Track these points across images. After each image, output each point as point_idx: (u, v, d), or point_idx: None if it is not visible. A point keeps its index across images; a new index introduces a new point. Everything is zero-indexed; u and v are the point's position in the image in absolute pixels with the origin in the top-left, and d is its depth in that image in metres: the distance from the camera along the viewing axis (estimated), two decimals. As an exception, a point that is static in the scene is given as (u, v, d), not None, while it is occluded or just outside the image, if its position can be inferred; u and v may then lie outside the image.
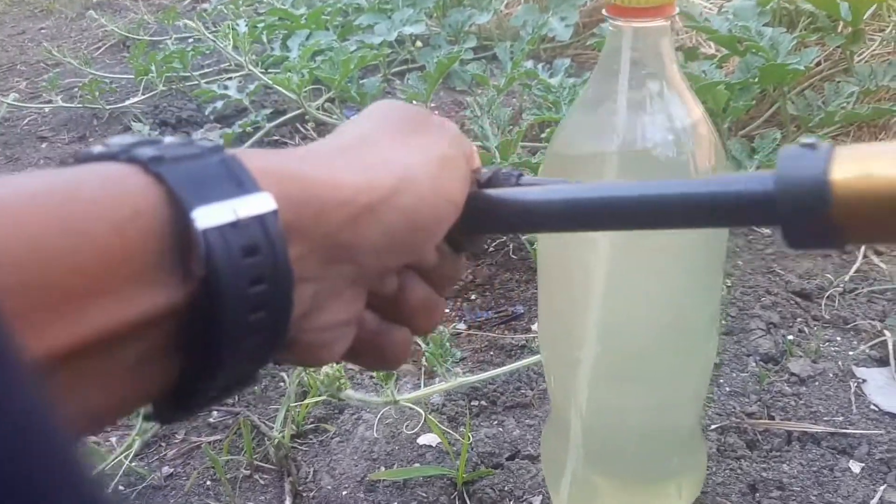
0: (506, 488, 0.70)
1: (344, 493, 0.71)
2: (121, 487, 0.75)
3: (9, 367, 0.16)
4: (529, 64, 1.42)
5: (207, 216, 0.22)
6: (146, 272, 0.21)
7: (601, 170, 0.50)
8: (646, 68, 0.48)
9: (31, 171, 0.24)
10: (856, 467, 0.68)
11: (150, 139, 0.24)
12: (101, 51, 2.09)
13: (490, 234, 0.34)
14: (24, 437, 0.16)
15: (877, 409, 0.74)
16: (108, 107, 1.61)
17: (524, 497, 0.69)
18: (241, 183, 0.23)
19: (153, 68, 1.62)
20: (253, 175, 0.24)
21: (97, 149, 0.24)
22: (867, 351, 0.81)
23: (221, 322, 0.23)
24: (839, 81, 1.21)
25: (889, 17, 1.37)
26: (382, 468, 0.73)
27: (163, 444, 0.80)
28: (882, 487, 0.66)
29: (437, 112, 1.48)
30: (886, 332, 0.82)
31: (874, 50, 1.35)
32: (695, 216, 0.29)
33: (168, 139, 0.25)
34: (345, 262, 0.27)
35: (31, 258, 0.19)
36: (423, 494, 0.70)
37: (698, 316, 0.54)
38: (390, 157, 0.29)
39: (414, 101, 1.41)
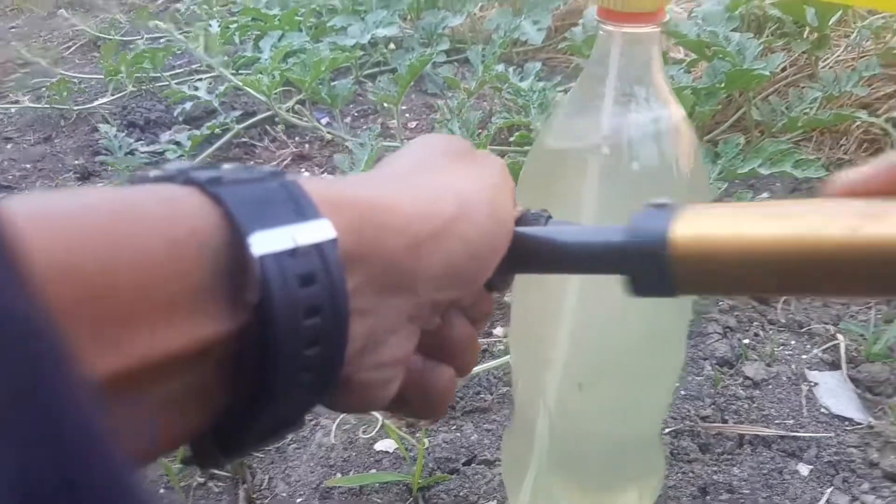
0: (461, 493, 0.70)
1: (299, 500, 0.71)
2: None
3: (69, 388, 0.15)
4: (501, 67, 1.42)
5: (265, 242, 0.21)
6: (198, 296, 0.20)
7: (584, 174, 0.50)
8: (634, 73, 0.48)
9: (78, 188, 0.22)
10: (804, 470, 0.69)
11: (208, 165, 0.23)
12: (71, 50, 2.07)
13: (521, 273, 0.34)
14: (83, 460, 0.15)
15: (827, 411, 0.75)
16: (75, 107, 1.60)
17: (479, 502, 0.69)
18: (300, 208, 0.22)
19: (123, 69, 1.61)
20: (313, 201, 0.23)
21: (153, 173, 0.23)
22: (820, 354, 0.82)
23: (276, 355, 0.22)
24: (804, 87, 1.23)
25: (854, 23, 1.39)
26: (339, 474, 0.73)
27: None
28: (829, 490, 0.67)
29: (407, 115, 1.49)
30: (839, 335, 0.84)
31: (839, 56, 1.36)
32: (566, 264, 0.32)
33: (226, 165, 0.24)
34: (402, 293, 0.26)
35: (84, 272, 0.18)
36: (379, 500, 0.70)
37: (671, 322, 0.55)
38: (446, 184, 0.29)
39: (385, 104, 1.41)
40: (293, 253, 0.22)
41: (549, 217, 0.33)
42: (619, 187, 0.50)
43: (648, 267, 0.28)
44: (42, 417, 0.14)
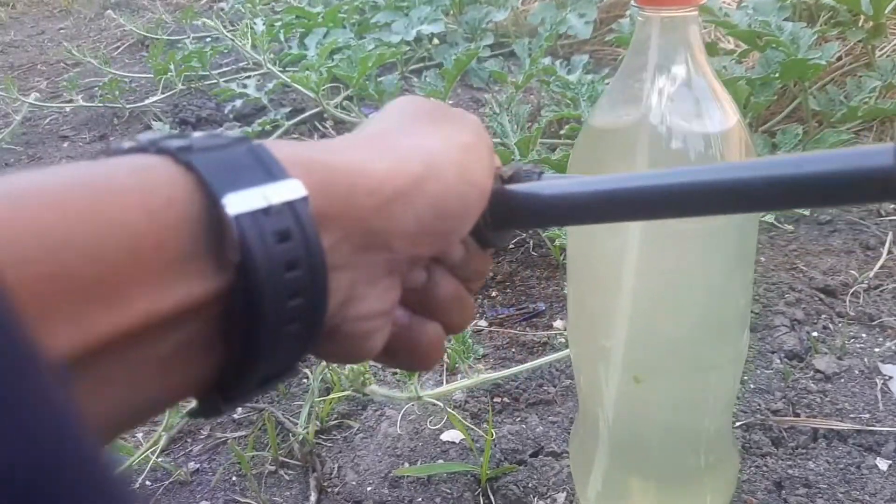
0: (530, 485, 0.70)
1: (368, 488, 0.71)
2: (147, 483, 0.76)
3: (27, 368, 0.16)
4: (547, 61, 1.42)
5: (239, 202, 0.22)
6: (180, 261, 0.21)
7: (630, 154, 0.50)
8: (675, 57, 0.48)
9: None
10: (883, 464, 0.68)
11: (177, 134, 0.24)
12: (119, 50, 2.10)
13: (515, 229, 0.34)
14: (45, 435, 0.15)
15: (903, 406, 0.73)
16: (128, 106, 1.62)
17: (548, 494, 0.69)
18: (269, 170, 0.24)
19: (172, 67, 1.63)
20: (281, 163, 0.24)
21: (126, 144, 0.24)
22: (893, 347, 0.81)
23: (260, 309, 0.23)
24: (861, 76, 1.20)
25: (912, 10, 1.36)
26: (406, 464, 0.73)
27: (189, 440, 0.80)
28: (910, 484, 0.66)
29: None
30: (912, 328, 0.82)
31: (896, 44, 1.33)
32: (797, 197, 0.28)
33: (195, 133, 0.25)
34: (378, 249, 0.27)
35: (62, 249, 0.19)
36: (447, 490, 0.70)
37: (730, 307, 0.54)
38: (415, 144, 0.30)
39: (432, 98, 1.41)
40: (267, 211, 0.23)
41: (542, 172, 0.34)
42: (666, 146, 0.49)
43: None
44: (9, 404, 0.15)
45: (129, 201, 0.21)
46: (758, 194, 0.28)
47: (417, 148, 0.29)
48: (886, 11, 1.28)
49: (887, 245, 0.96)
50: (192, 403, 0.26)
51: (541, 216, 0.35)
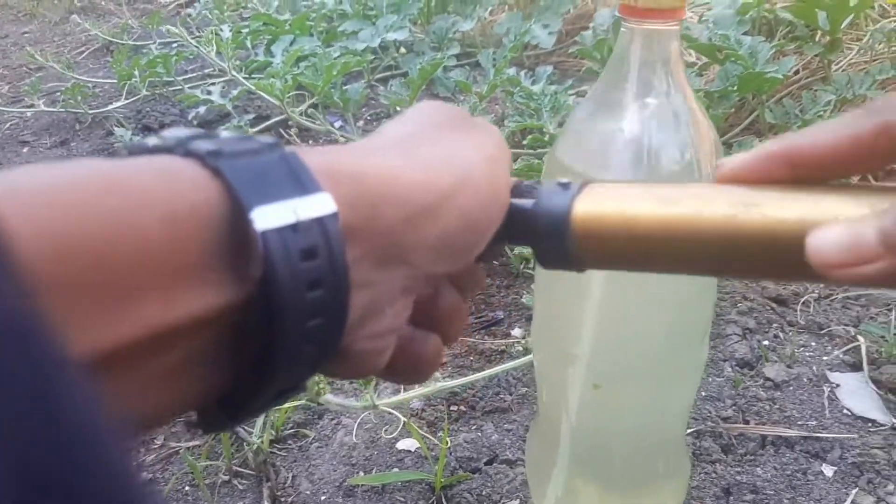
0: (483, 492, 0.70)
1: (323, 498, 0.71)
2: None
3: (55, 368, 0.15)
4: (512, 71, 1.43)
5: (267, 217, 0.21)
6: (198, 270, 0.20)
7: (609, 172, 0.50)
8: (655, 70, 0.48)
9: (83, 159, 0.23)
10: (829, 471, 0.69)
11: (206, 133, 0.23)
12: (84, 55, 2.08)
13: (509, 244, 0.34)
14: (72, 432, 0.15)
15: (849, 413, 0.75)
16: (90, 111, 1.61)
17: (501, 501, 0.69)
18: (301, 182, 0.22)
19: (136, 73, 1.62)
20: (313, 174, 0.23)
21: (152, 141, 0.23)
22: (841, 356, 0.82)
23: (279, 328, 0.22)
24: (817, 90, 1.23)
25: (866, 26, 1.39)
26: (361, 473, 0.73)
27: (142, 450, 0.80)
28: (854, 491, 0.67)
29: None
30: (860, 337, 0.84)
31: (851, 59, 1.37)
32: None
33: (225, 133, 0.24)
34: (399, 265, 0.26)
35: (76, 250, 0.18)
36: (402, 499, 0.70)
37: (696, 317, 0.55)
38: (445, 154, 0.28)
39: (398, 108, 1.41)
40: (295, 227, 0.22)
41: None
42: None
43: (552, 240, 0.30)
44: (35, 404, 0.15)
45: (151, 206, 0.20)
46: None
47: (446, 158, 0.28)
48: (842, 27, 1.31)
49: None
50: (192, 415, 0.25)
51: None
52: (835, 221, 0.24)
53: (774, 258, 0.26)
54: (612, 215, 0.29)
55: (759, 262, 0.27)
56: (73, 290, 0.18)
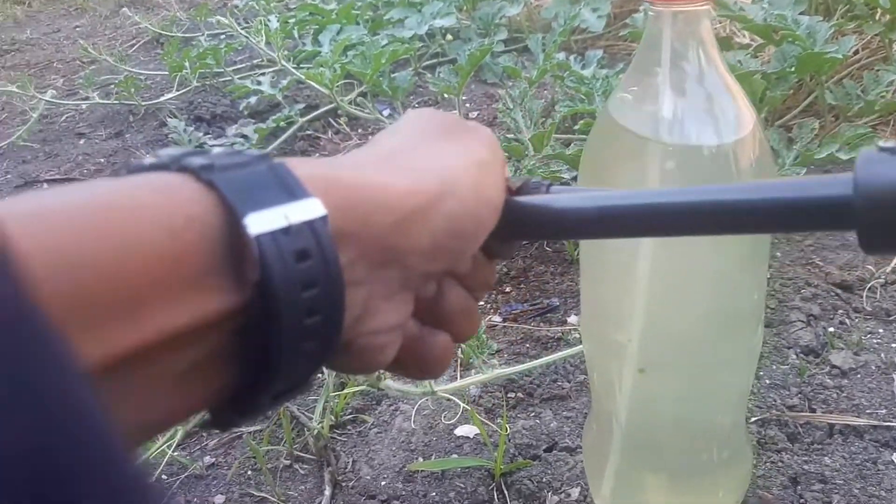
0: (544, 480, 0.70)
1: (383, 483, 0.72)
2: (163, 476, 0.76)
3: (64, 372, 0.16)
4: (561, 56, 1.41)
5: (260, 222, 0.23)
6: (200, 277, 0.22)
7: (643, 160, 0.50)
8: (687, 53, 0.47)
9: (76, 173, 0.24)
10: (900, 460, 0.67)
11: (198, 150, 0.25)
12: (135, 48, 2.11)
13: (522, 241, 0.35)
14: (76, 430, 0.16)
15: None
16: (143, 103, 1.63)
17: (562, 489, 0.69)
18: (290, 189, 0.24)
19: (187, 65, 1.64)
20: (301, 182, 0.24)
21: (148, 160, 0.25)
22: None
23: (278, 327, 0.23)
24: (878, 70, 1.19)
25: (929, 3, 1.35)
26: (420, 459, 0.74)
27: (204, 434, 0.81)
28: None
29: (468, 105, 1.48)
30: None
31: (914, 38, 1.32)
32: (764, 222, 0.30)
33: (216, 149, 0.25)
34: (393, 266, 0.28)
35: (84, 264, 0.19)
36: (461, 485, 0.70)
37: (743, 302, 0.54)
38: (432, 162, 0.30)
39: (446, 95, 1.41)
40: (287, 231, 0.23)
41: (550, 185, 0.34)
42: (675, 171, 0.49)
43: (886, 223, 0.25)
44: (38, 401, 0.15)
45: (150, 220, 0.21)
46: (723, 219, 0.30)
47: (434, 166, 0.30)
48: (904, 5, 1.26)
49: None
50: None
51: (548, 229, 0.36)
52: None
53: None
54: None
55: None
56: (84, 302, 0.19)
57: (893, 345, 0.80)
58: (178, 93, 1.66)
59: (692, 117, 0.49)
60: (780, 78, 1.19)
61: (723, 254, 0.52)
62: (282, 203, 0.23)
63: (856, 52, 1.30)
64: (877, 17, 1.30)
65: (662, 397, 0.57)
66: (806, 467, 0.68)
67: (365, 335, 0.28)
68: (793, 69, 1.15)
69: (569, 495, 0.68)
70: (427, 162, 0.30)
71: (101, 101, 1.67)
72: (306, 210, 0.24)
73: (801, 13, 1.27)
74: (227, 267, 0.22)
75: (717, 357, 0.55)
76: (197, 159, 0.24)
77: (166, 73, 1.74)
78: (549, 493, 0.69)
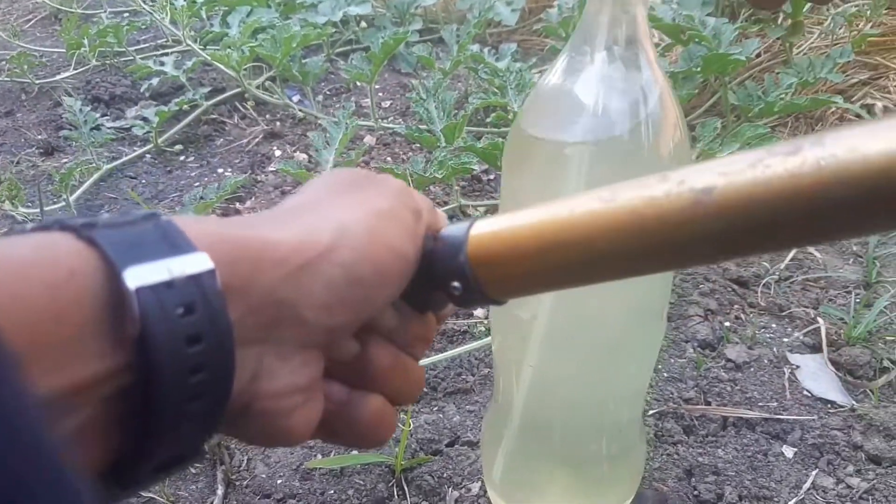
0: (444, 475, 0.69)
1: (279, 481, 0.69)
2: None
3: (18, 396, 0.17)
4: (475, 48, 1.41)
5: (140, 275, 0.22)
6: (81, 336, 0.21)
7: (566, 162, 0.49)
8: (622, 40, 0.47)
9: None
10: (789, 452, 0.69)
11: (86, 217, 0.24)
12: (31, 23, 2.00)
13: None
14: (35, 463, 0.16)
15: (809, 394, 0.75)
16: (37, 81, 1.54)
17: (463, 483, 0.68)
18: (175, 244, 0.23)
19: (86, 42, 1.55)
20: (188, 237, 0.24)
21: (29, 225, 0.24)
22: (801, 338, 0.83)
23: (160, 384, 0.22)
24: (779, 72, 1.23)
25: (828, 10, 1.40)
26: (319, 456, 0.72)
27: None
28: (814, 472, 0.67)
29: (381, 94, 1.46)
30: (819, 319, 0.84)
31: (812, 42, 1.37)
32: None
33: (105, 215, 0.24)
34: (288, 323, 0.26)
35: None
36: (361, 482, 0.69)
37: (653, 293, 0.54)
38: (326, 215, 0.29)
39: (358, 83, 1.38)
40: (170, 284, 0.22)
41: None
42: (601, 159, 0.49)
43: (454, 270, 0.30)
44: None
45: (29, 275, 0.20)
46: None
47: (328, 218, 0.29)
48: (804, 11, 1.31)
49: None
50: None
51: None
52: None
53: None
54: (505, 230, 0.29)
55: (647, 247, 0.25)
56: None
57: (785, 339, 0.83)
58: (75, 71, 1.58)
59: (622, 104, 0.48)
60: (686, 77, 1.21)
61: None
62: (165, 256, 0.23)
63: (758, 55, 1.34)
64: (779, 22, 1.35)
65: (560, 380, 0.56)
66: (700, 459, 0.69)
67: (264, 398, 0.26)
68: (699, 69, 1.17)
69: (469, 490, 0.68)
70: (321, 216, 0.29)
71: (-10, 77, 1.57)
72: (191, 264, 0.23)
73: (708, 14, 1.30)
74: (111, 326, 0.21)
75: (619, 344, 0.55)
76: (80, 220, 0.23)
77: (63, 50, 1.65)
78: (450, 489, 0.68)
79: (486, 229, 0.30)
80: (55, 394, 0.20)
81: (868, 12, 1.34)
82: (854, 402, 0.74)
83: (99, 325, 0.21)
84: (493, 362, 0.63)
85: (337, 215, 0.29)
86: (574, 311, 0.53)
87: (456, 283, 0.30)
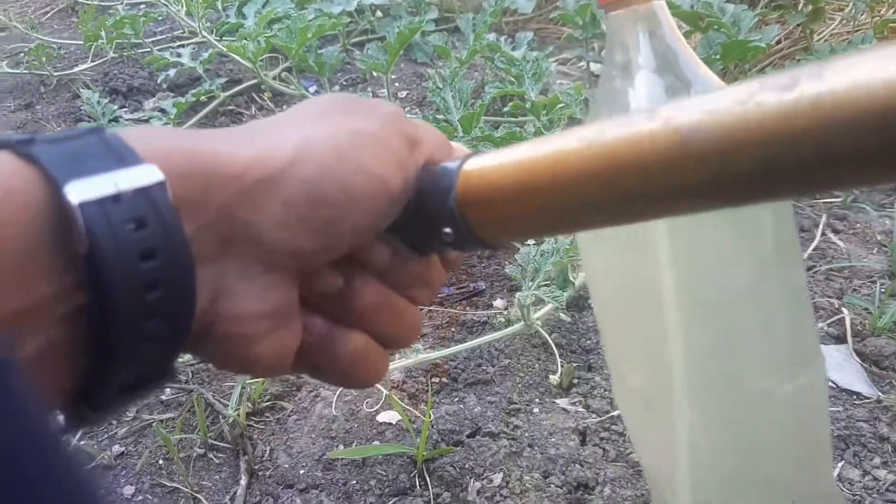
0: (466, 465, 0.69)
1: (301, 471, 0.70)
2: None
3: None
4: (492, 37, 1.40)
5: (83, 190, 0.21)
6: (24, 258, 0.20)
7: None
8: (658, 52, 0.45)
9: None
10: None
11: (27, 134, 0.23)
12: (48, 15, 2.01)
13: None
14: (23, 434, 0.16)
15: (834, 385, 0.75)
16: (55, 73, 1.55)
17: (484, 474, 0.68)
18: (121, 157, 0.22)
19: (103, 34, 1.56)
20: (135, 149, 0.22)
21: None
22: (825, 328, 0.82)
23: (113, 302, 0.21)
24: (799, 59, 1.22)
25: (849, -4, 1.38)
26: (341, 446, 0.72)
27: (113, 422, 0.77)
28: (840, 464, 0.67)
29: (397, 84, 1.46)
30: (844, 309, 0.83)
31: (833, 29, 1.36)
32: None
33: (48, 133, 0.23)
34: (246, 241, 0.25)
35: None
36: (383, 473, 0.69)
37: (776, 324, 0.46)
38: (294, 132, 0.27)
39: (374, 73, 1.38)
40: (117, 198, 0.21)
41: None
42: None
43: (444, 208, 0.28)
44: None
45: None
46: None
47: (293, 136, 0.27)
48: (825, -4, 1.29)
49: (820, 228, 0.97)
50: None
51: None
52: None
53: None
54: (491, 169, 0.27)
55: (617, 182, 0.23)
56: None
57: (809, 329, 0.82)
58: (93, 63, 1.58)
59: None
60: (705, 65, 1.20)
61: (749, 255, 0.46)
62: (111, 170, 0.21)
63: (778, 42, 1.33)
64: (799, 8, 1.33)
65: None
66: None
67: (227, 321, 0.25)
68: (718, 57, 1.16)
69: (491, 481, 0.68)
70: (286, 133, 0.27)
71: (9, 70, 1.58)
72: (140, 176, 0.22)
73: (727, 1, 1.29)
74: (55, 243, 0.20)
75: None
76: (17, 136, 0.22)
77: (81, 42, 1.66)
78: (472, 480, 0.68)
79: (475, 166, 0.28)
80: (5, 318, 0.19)
81: (891, -2, 1.32)
82: (880, 394, 0.73)
83: (43, 244, 0.20)
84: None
85: (303, 132, 0.27)
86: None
87: (447, 230, 0.28)
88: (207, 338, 0.25)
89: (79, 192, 0.21)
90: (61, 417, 0.23)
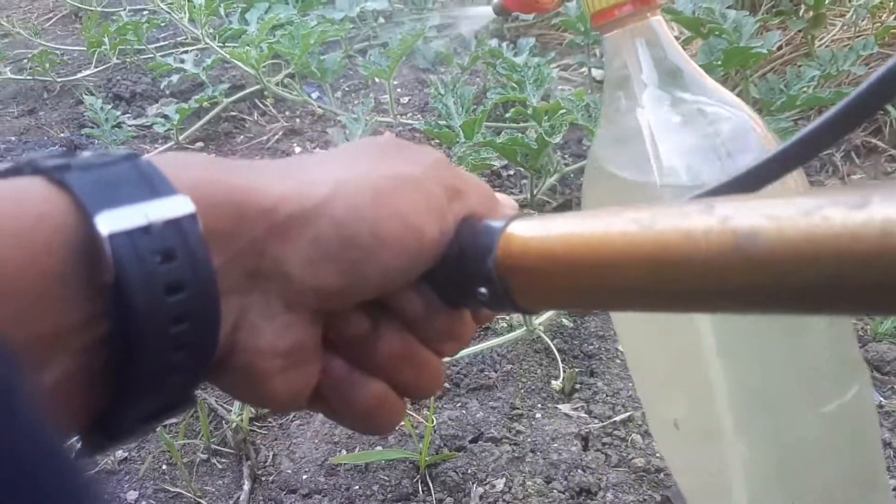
0: (469, 471, 0.69)
1: (304, 477, 0.70)
2: (72, 473, 0.73)
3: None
4: (494, 43, 1.40)
5: (114, 220, 0.21)
6: (51, 286, 0.20)
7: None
8: (658, 70, 0.45)
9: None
10: None
11: (62, 153, 0.23)
12: (51, 21, 2.02)
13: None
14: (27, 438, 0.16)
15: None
16: (59, 79, 1.56)
17: (487, 480, 0.68)
18: (153, 186, 0.22)
19: (106, 40, 1.57)
20: (168, 179, 0.22)
21: (2, 166, 0.23)
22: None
23: (138, 335, 0.21)
24: (801, 65, 1.22)
25: (850, 1, 1.39)
26: (344, 452, 0.72)
27: (116, 428, 0.77)
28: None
29: (399, 90, 1.46)
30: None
31: (835, 35, 1.36)
32: None
33: (85, 153, 0.23)
34: (273, 276, 0.25)
35: None
36: (385, 478, 0.69)
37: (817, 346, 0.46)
38: (330, 170, 0.27)
39: (377, 79, 1.38)
40: (147, 230, 0.21)
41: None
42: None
43: (482, 275, 0.27)
44: None
45: None
46: None
47: (331, 173, 0.26)
48: (826, 2, 1.30)
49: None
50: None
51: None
52: None
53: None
54: (537, 238, 0.26)
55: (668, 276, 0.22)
56: None
57: None
58: (96, 69, 1.59)
59: (692, 149, 0.45)
60: (706, 71, 1.20)
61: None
62: (142, 200, 0.21)
63: (780, 48, 1.33)
64: (801, 14, 1.34)
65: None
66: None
67: (243, 352, 0.25)
68: (719, 63, 1.16)
69: (493, 486, 0.68)
70: (323, 171, 0.26)
71: (13, 76, 1.59)
72: (171, 207, 0.22)
73: (728, 7, 1.29)
74: (83, 272, 0.20)
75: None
76: (54, 160, 0.22)
77: (84, 48, 1.67)
78: (474, 485, 0.68)
79: (519, 231, 0.27)
80: (26, 344, 0.19)
81: (891, 3, 1.33)
82: (882, 399, 0.73)
83: (70, 271, 0.20)
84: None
85: (343, 171, 0.27)
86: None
87: (483, 289, 0.27)
88: (224, 367, 0.25)
89: (109, 222, 0.21)
90: (77, 444, 0.23)
